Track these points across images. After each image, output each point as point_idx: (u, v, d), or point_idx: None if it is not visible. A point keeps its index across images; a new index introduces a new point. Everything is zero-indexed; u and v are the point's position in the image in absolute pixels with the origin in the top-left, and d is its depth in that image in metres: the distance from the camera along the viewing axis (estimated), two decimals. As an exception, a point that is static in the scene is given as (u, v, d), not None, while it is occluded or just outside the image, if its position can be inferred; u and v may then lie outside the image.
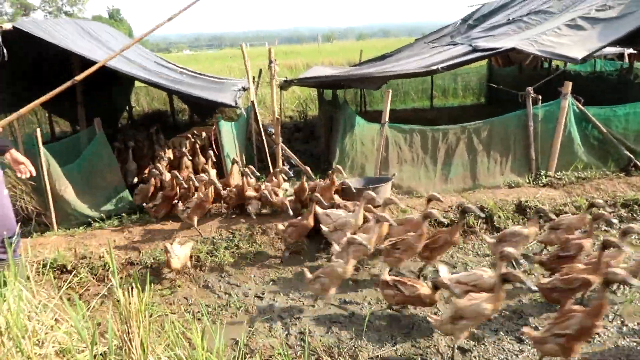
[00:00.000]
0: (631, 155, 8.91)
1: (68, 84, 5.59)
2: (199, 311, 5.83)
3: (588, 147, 8.99)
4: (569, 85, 8.57)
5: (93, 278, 6.57)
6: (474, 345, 4.99)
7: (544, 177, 8.74)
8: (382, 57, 14.75)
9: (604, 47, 9.36)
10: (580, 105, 8.81)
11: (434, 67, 9.01)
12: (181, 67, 14.32)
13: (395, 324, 5.41)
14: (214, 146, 9.30)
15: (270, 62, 9.30)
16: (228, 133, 9.36)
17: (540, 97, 8.68)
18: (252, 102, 8.42)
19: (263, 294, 6.18)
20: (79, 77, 5.87)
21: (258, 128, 8.69)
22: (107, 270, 6.63)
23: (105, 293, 6.16)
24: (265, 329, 5.45)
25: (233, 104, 9.45)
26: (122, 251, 7.00)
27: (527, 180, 8.74)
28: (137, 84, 17.25)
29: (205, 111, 17.66)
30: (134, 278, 4.14)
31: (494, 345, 4.98)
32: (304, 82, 11.03)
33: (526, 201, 7.88)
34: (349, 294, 6.08)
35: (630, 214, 7.80)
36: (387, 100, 8.50)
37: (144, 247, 7.08)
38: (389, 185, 7.91)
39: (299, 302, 5.99)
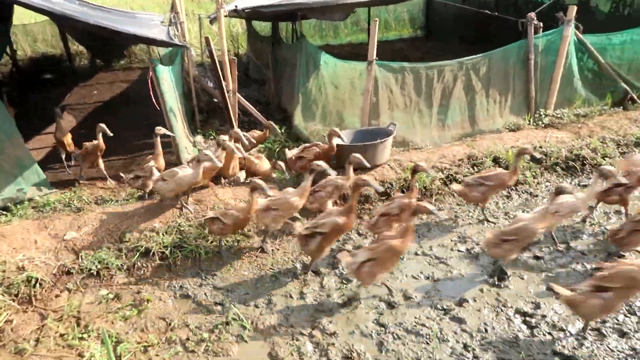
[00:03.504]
0: (627, 88, 8.20)
1: None
2: (188, 338, 4.12)
3: (585, 81, 8.13)
4: (573, 10, 7.47)
5: (13, 301, 4.50)
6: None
7: (544, 116, 7.76)
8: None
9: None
10: (579, 34, 7.80)
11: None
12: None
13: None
14: (153, 97, 7.09)
15: (215, -15, 7.14)
16: (167, 81, 7.19)
17: (542, 24, 7.52)
18: (207, 38, 6.37)
19: (269, 300, 4.58)
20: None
21: (216, 71, 6.64)
22: (34, 287, 4.60)
23: (39, 326, 4.23)
24: (294, 355, 3.92)
25: (178, 42, 7.24)
26: (51, 255, 4.94)
27: (528, 121, 7.72)
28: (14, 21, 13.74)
29: (111, 54, 14.71)
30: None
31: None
32: (258, 14, 8.92)
33: (540, 147, 6.85)
34: (393, 293, 4.69)
35: (644, 154, 7.09)
36: (374, 31, 6.83)
37: (82, 246, 5.06)
38: (390, 140, 6.43)
39: (322, 303, 4.49)
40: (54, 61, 13.85)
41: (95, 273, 4.83)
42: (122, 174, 6.22)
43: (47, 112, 9.93)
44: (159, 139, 6.18)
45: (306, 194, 5.06)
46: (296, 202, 4.98)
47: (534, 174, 6.56)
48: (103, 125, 6.37)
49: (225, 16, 8.16)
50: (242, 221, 5.00)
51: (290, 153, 6.41)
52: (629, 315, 4.15)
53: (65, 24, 11.43)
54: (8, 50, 12.73)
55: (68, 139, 7.17)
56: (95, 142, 6.44)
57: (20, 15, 16.01)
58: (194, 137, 7.91)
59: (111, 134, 6.37)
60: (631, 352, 3.76)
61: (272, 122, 6.80)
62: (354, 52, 14.79)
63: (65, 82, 12.43)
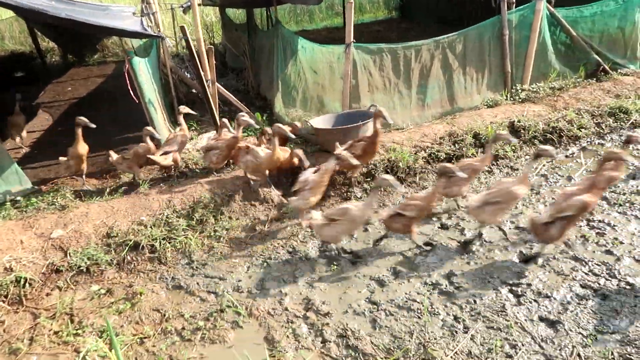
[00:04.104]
0: (599, 59, 8.38)
1: None
2: (183, 328, 4.16)
3: (559, 54, 8.28)
4: (544, -16, 7.58)
5: (3, 302, 4.48)
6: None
7: (520, 91, 7.90)
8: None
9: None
10: (551, 8, 7.92)
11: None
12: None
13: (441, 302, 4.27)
14: (131, 90, 6.99)
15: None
16: (144, 73, 7.11)
17: (514, 0, 7.61)
18: (182, 27, 6.28)
19: (262, 285, 4.63)
20: None
21: (194, 61, 6.55)
22: (23, 287, 4.57)
23: (32, 325, 4.23)
24: (290, 337, 3.99)
25: (152, 32, 7.13)
26: (39, 255, 4.89)
27: (505, 97, 7.85)
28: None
29: (83, 49, 14.40)
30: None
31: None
32: (232, 1, 8.83)
33: (518, 121, 6.98)
34: (383, 272, 4.79)
35: (617, 123, 7.28)
36: (349, 13, 6.83)
37: (70, 244, 5.03)
38: (371, 122, 6.48)
39: (315, 286, 4.56)
40: (24, 58, 13.52)
41: (85, 269, 4.82)
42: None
43: (22, 111, 9.75)
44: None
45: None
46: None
47: (513, 148, 6.69)
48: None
49: (199, 5, 8.08)
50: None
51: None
52: (609, 278, 4.32)
53: (33, 18, 11.12)
54: (-24, 49, 12.37)
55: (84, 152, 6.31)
56: (143, 144, 6.06)
57: (-16, 13, 15.57)
58: (175, 129, 7.85)
59: (94, 126, 6.09)
60: (613, 314, 3.92)
61: (279, 125, 6.25)
62: (330, 37, 14.78)
63: (37, 80, 12.16)
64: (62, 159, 6.24)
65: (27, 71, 13.18)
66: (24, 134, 7.79)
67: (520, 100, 7.78)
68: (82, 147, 6.11)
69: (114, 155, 6.23)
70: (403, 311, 4.16)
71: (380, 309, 4.20)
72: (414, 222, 4.72)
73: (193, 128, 8.00)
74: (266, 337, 4.01)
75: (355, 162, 5.18)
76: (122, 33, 6.83)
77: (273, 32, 9.02)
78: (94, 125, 6.08)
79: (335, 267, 4.81)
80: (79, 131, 6.09)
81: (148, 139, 6.06)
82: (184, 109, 6.49)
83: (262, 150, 5.71)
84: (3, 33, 15.10)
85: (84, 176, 6.36)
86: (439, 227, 5.36)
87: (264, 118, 8.07)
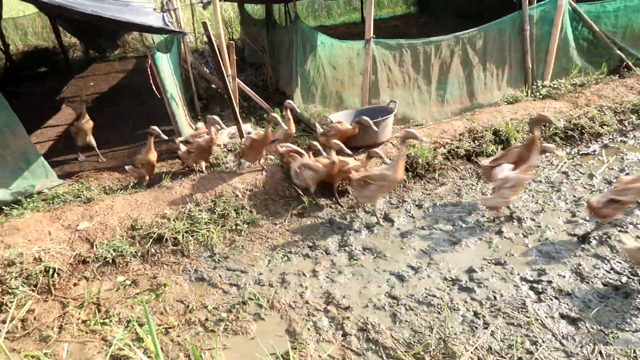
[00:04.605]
0: (622, 55, 8.27)
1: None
2: (207, 319, 4.25)
3: (581, 50, 8.18)
4: (567, -21, 7.50)
5: (33, 291, 4.62)
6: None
7: (541, 87, 7.84)
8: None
9: None
10: (573, 3, 7.83)
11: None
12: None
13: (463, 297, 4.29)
14: (153, 86, 7.10)
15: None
16: (166, 68, 7.21)
17: (535, -6, 7.54)
18: (204, 23, 6.37)
19: (283, 279, 4.70)
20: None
21: (216, 57, 6.63)
22: (52, 277, 4.71)
23: (61, 314, 4.36)
24: (311, 330, 4.05)
25: (175, 28, 7.23)
26: (66, 246, 5.03)
27: (525, 93, 7.79)
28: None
29: (104, 44, 14.60)
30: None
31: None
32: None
33: (539, 118, 6.92)
34: (402, 267, 4.83)
35: (641, 120, 7.20)
36: (370, 9, 6.85)
37: (96, 235, 5.16)
38: (392, 118, 6.51)
39: (335, 281, 4.61)
40: (47, 54, 13.77)
41: (110, 261, 4.94)
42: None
43: (46, 106, 9.98)
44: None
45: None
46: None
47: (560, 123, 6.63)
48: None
49: (221, 1, 8.14)
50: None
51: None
52: (631, 276, 4.30)
53: (60, 14, 11.32)
54: (1, 44, 12.62)
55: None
56: (205, 137, 6.11)
57: (7, 9, 15.84)
58: (196, 124, 7.96)
59: (165, 137, 6.02)
60: (635, 312, 3.91)
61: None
62: (349, 32, 14.74)
63: (60, 75, 12.39)
64: (128, 167, 6.17)
65: (50, 66, 13.43)
66: (91, 140, 7.08)
67: (540, 96, 7.72)
68: (153, 155, 6.03)
69: (182, 147, 6.25)
70: (423, 306, 4.20)
71: (400, 303, 4.24)
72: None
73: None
74: (287, 329, 4.09)
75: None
76: (149, 29, 6.91)
77: (292, 27, 9.06)
78: (165, 137, 6.03)
79: (355, 261, 4.86)
80: (152, 140, 6.00)
81: (212, 129, 6.05)
82: (291, 103, 6.42)
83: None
84: (26, 29, 15.35)
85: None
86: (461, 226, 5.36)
87: (283, 114, 8.12)
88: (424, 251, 4.95)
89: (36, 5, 7.98)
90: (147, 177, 6.19)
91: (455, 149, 6.47)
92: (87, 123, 7.09)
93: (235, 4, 13.73)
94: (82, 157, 7.23)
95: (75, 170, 6.93)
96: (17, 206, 5.70)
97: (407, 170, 6.23)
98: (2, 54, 12.88)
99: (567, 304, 4.06)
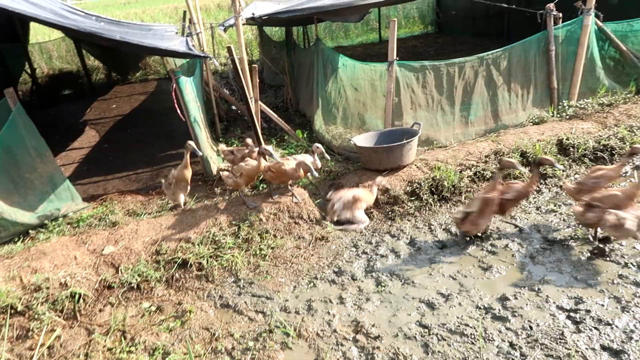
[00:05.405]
0: (651, 74, 8.10)
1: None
2: (233, 347, 4.16)
3: (608, 69, 8.05)
4: (592, -1, 7.41)
5: (59, 317, 4.59)
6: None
7: (567, 108, 7.70)
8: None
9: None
10: (599, 22, 7.73)
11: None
12: (93, 14, 11.46)
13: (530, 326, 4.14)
14: (177, 109, 7.15)
15: (233, -6, 7.18)
16: (190, 91, 7.26)
17: (561, 14, 7.46)
18: (229, 48, 6.42)
19: (309, 305, 4.60)
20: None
21: (240, 80, 6.65)
22: (78, 302, 4.68)
23: (87, 341, 4.31)
24: (340, 360, 3.94)
25: (199, 53, 7.30)
26: (92, 271, 5.01)
27: (551, 114, 7.66)
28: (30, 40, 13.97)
29: (127, 67, 14.88)
30: None
31: None
32: (272, 19, 8.98)
33: (567, 139, 6.79)
34: (432, 294, 4.70)
35: (673, 141, 6.99)
36: (393, 31, 6.83)
37: (121, 260, 5.13)
38: (416, 140, 6.43)
39: (363, 308, 4.50)
40: (71, 77, 14.07)
41: (135, 286, 4.90)
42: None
43: (70, 128, 10.14)
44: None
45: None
46: None
47: (562, 166, 6.50)
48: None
49: (243, 24, 8.21)
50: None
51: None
52: (675, 306, 4.11)
53: (87, 40, 11.57)
54: (28, 68, 12.92)
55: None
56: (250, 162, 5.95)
57: (33, 33, 16.28)
58: (217, 146, 7.98)
59: (201, 154, 6.09)
60: (681, 344, 3.72)
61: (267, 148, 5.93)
62: (367, 52, 14.85)
63: (84, 97, 12.62)
64: (164, 181, 6.10)
65: (74, 89, 13.71)
66: (184, 197, 6.02)
67: (567, 117, 7.58)
68: (189, 172, 5.87)
69: (224, 173, 6.08)
70: (456, 336, 4.05)
71: (432, 333, 4.11)
72: None
73: (235, 145, 8.10)
74: (316, 359, 3.97)
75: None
76: (174, 54, 7.01)
77: (313, 49, 9.11)
78: (200, 153, 6.05)
79: (382, 288, 4.75)
80: (188, 155, 5.85)
81: (256, 155, 5.90)
82: (319, 148, 6.22)
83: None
84: (51, 52, 15.73)
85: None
86: (487, 251, 5.22)
87: (305, 135, 8.12)
88: (453, 277, 4.82)
89: (69, 33, 8.15)
90: (182, 196, 5.90)
91: (482, 171, 6.35)
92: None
93: (254, 26, 13.92)
94: None
95: (99, 193, 6.97)
96: (43, 230, 5.72)
97: (432, 193, 6.13)
98: (29, 77, 13.18)
99: (607, 335, 3.89)
